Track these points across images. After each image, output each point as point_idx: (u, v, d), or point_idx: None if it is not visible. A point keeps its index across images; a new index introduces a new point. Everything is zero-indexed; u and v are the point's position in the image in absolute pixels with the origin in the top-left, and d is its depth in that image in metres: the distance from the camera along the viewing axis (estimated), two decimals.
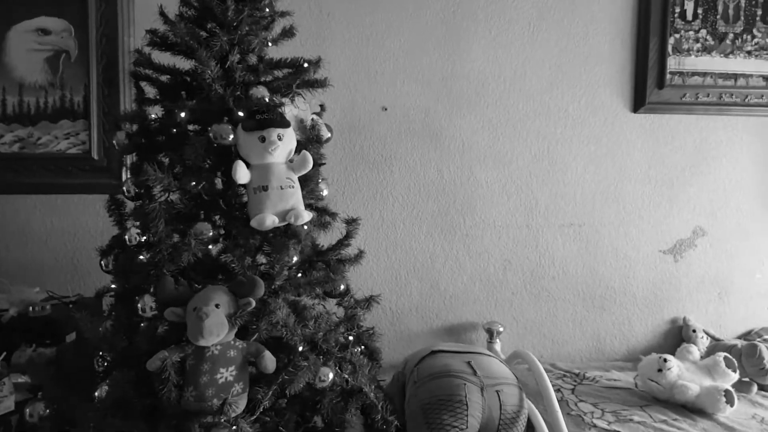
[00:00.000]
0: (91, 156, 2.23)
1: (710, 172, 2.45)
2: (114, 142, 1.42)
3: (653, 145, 2.43)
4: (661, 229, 2.45)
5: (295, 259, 1.38)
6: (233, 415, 1.22)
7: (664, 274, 2.47)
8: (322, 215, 1.57)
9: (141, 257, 1.31)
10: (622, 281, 2.46)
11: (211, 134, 1.31)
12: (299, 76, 1.49)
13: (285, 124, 1.36)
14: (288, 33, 1.55)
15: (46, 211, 2.25)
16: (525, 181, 2.40)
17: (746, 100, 2.39)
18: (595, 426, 1.78)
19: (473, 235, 2.40)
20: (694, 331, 2.37)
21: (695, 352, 2.16)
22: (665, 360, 1.96)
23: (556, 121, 2.39)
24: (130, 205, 1.43)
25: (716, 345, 2.29)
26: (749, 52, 2.38)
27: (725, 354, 2.06)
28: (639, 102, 2.38)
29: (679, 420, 1.84)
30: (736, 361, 2.04)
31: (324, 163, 1.56)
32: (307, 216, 1.36)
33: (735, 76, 2.39)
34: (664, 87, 2.35)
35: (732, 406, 1.86)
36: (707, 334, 2.38)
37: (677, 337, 2.45)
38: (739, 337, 2.44)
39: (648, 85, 2.35)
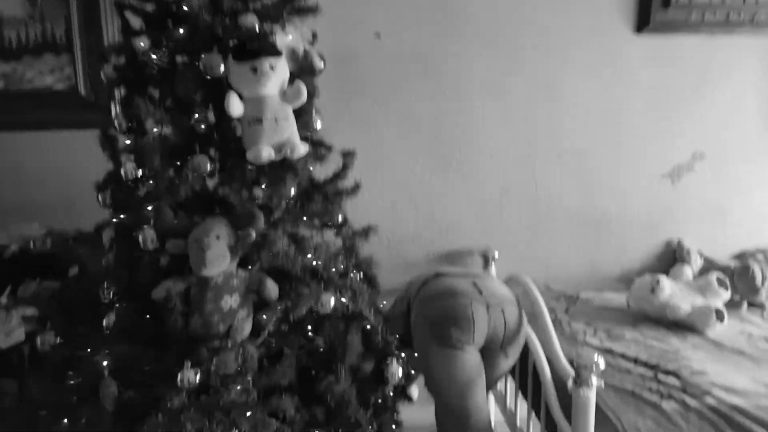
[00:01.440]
0: (78, 91, 2.18)
1: (714, 95, 2.41)
2: (102, 75, 1.38)
3: (657, 68, 2.37)
4: (661, 154, 2.44)
5: (292, 191, 1.38)
6: (239, 339, 1.27)
7: (661, 198, 2.48)
8: (318, 148, 1.55)
9: (138, 191, 1.31)
10: (619, 206, 2.47)
11: (201, 66, 1.27)
12: (290, 3, 1.43)
13: (276, 53, 1.32)
14: None
15: (37, 148, 2.23)
16: (523, 108, 2.36)
17: (754, 18, 2.30)
18: (588, 344, 1.85)
19: (470, 164, 2.39)
20: (688, 252, 2.40)
21: (688, 272, 2.20)
22: (658, 281, 2.01)
23: (556, 45, 2.32)
24: (122, 139, 1.41)
25: (710, 265, 2.33)
26: None
27: (718, 273, 2.11)
28: (643, 22, 2.30)
29: (669, 335, 1.91)
30: (728, 280, 2.09)
31: (317, 94, 1.53)
32: (303, 149, 1.35)
33: None
34: (669, 6, 2.26)
35: (722, 322, 1.92)
36: (701, 255, 2.42)
37: (671, 259, 2.49)
38: (733, 258, 2.49)
39: (653, 4, 2.26)
